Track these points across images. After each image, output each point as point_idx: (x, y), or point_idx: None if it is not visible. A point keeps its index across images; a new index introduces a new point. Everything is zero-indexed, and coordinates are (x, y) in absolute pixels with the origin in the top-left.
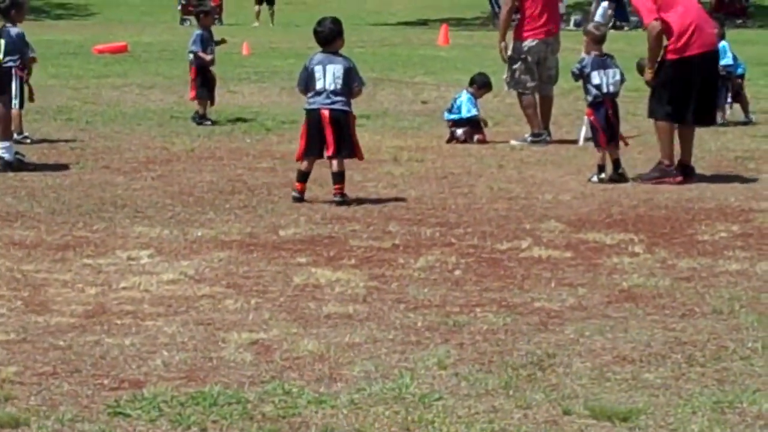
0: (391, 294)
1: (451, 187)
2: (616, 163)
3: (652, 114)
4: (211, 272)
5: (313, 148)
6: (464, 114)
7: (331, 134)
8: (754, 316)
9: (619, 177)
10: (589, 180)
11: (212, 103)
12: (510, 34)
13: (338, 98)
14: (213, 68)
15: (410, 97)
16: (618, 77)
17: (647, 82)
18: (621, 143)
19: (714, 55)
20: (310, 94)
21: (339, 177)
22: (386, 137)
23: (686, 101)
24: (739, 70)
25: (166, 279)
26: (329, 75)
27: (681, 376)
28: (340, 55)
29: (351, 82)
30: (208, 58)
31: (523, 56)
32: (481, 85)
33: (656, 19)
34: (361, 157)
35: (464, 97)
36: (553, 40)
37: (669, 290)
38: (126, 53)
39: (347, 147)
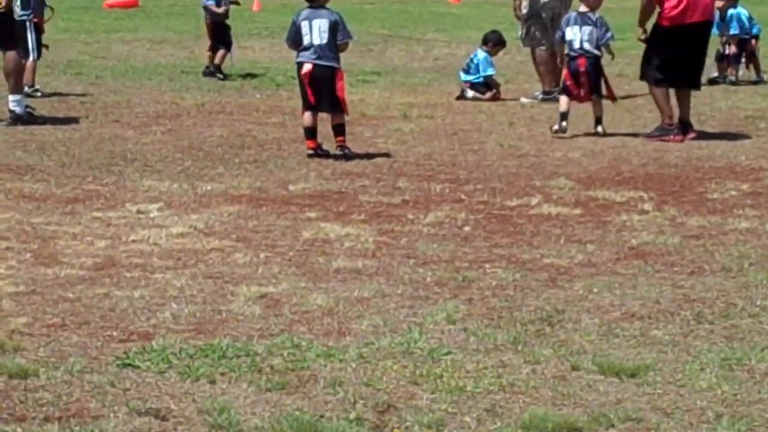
0: (400, 249)
1: (461, 143)
2: (597, 120)
3: (643, 77)
4: (220, 226)
5: (306, 102)
6: (482, 73)
7: (314, 89)
8: (763, 274)
9: (596, 134)
10: (551, 129)
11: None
12: None
13: (324, 53)
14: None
15: (421, 54)
16: (594, 35)
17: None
18: (609, 100)
19: (708, 24)
20: (300, 49)
21: (339, 129)
22: (396, 94)
23: (677, 67)
24: (754, 31)
25: (176, 232)
26: (315, 29)
27: (689, 333)
28: (327, 9)
29: (337, 36)
30: (220, 10)
31: (538, 12)
32: (496, 42)
33: None
34: (346, 112)
35: (480, 56)
36: None
37: (678, 248)
38: (137, 8)
39: (332, 101)
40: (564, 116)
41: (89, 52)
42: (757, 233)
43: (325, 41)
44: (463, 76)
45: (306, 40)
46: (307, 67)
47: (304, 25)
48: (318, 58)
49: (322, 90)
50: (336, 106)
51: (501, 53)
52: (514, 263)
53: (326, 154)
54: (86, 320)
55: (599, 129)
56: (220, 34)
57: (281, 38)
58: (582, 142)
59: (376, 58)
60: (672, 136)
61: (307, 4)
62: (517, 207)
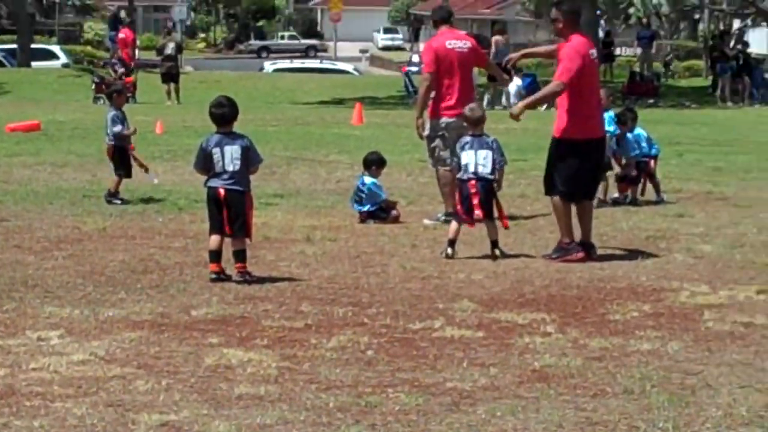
0: (303, 374)
1: (364, 266)
2: (493, 243)
3: (548, 192)
4: (121, 352)
5: (215, 226)
6: (377, 200)
7: (229, 213)
8: (665, 396)
9: (493, 257)
10: (441, 253)
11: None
12: (426, 113)
13: (236, 179)
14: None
15: (324, 176)
16: (490, 158)
17: (512, 115)
18: (500, 224)
19: (602, 141)
20: (209, 175)
21: (240, 255)
22: (299, 216)
23: (578, 181)
24: (653, 151)
25: (77, 360)
26: (227, 156)
27: None
28: (237, 135)
29: (249, 161)
30: (130, 131)
31: (440, 133)
32: (378, 164)
33: (566, 84)
34: (251, 238)
35: (368, 181)
36: None
37: (581, 370)
38: (39, 131)
39: (240, 226)
40: (452, 243)
41: None
42: (658, 354)
43: (237, 167)
44: (357, 207)
45: (218, 167)
46: (221, 193)
47: (216, 152)
48: (231, 183)
49: (231, 215)
50: (243, 231)
51: (403, 174)
52: (417, 387)
53: (228, 279)
54: None
55: (496, 252)
56: (120, 160)
57: (184, 161)
58: (484, 264)
59: (279, 180)
60: (573, 254)
61: (216, 130)
62: (420, 330)
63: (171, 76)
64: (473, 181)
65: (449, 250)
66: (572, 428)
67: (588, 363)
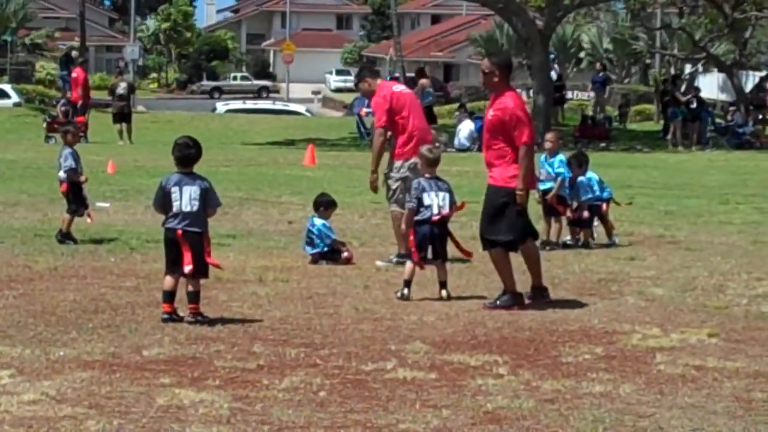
0: (255, 415)
1: (317, 307)
2: (442, 284)
3: (490, 245)
4: (73, 392)
5: (170, 267)
6: (326, 241)
7: (187, 253)
8: None
9: (440, 298)
10: (396, 293)
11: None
12: (385, 156)
13: (193, 220)
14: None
15: (276, 217)
16: (447, 200)
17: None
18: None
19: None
20: (167, 215)
21: (194, 296)
22: (251, 257)
23: (523, 225)
24: (605, 195)
25: (27, 399)
26: (185, 196)
27: None
28: (197, 176)
29: (207, 203)
30: (83, 179)
31: (402, 175)
32: (327, 205)
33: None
34: (207, 276)
35: (318, 222)
36: None
37: (533, 412)
38: None
39: (200, 267)
40: (407, 284)
41: None
42: (611, 397)
43: (195, 209)
44: (309, 249)
45: (176, 207)
46: (179, 234)
47: (175, 191)
48: (187, 225)
49: (191, 255)
50: (201, 272)
51: (355, 216)
52: (369, 429)
53: (180, 319)
54: None
55: (443, 293)
56: (74, 196)
57: (135, 200)
58: (437, 306)
59: (231, 220)
60: (517, 306)
61: (176, 170)
62: (373, 371)
63: (123, 116)
64: (431, 225)
65: (405, 291)
66: None
67: (540, 405)
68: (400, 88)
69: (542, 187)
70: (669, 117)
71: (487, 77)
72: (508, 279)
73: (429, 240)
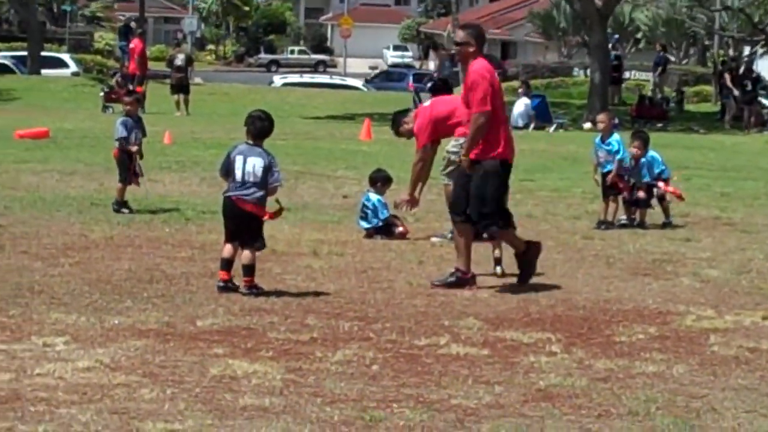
0: (308, 387)
1: (371, 281)
2: (497, 261)
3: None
4: (126, 360)
5: (231, 235)
6: (381, 217)
7: (240, 225)
8: (670, 419)
9: (494, 275)
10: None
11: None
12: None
13: (253, 190)
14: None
15: (331, 191)
16: None
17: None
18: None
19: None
20: (229, 182)
21: (249, 270)
22: (306, 230)
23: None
24: (666, 174)
25: (82, 366)
26: (249, 166)
27: None
28: (263, 150)
29: (268, 178)
30: (134, 149)
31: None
32: (383, 181)
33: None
34: (264, 246)
35: (374, 198)
36: None
37: (585, 390)
38: (47, 139)
39: (256, 238)
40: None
41: None
42: (663, 377)
43: (257, 180)
44: (364, 224)
45: (237, 175)
46: (236, 202)
47: (238, 160)
48: (247, 195)
49: (244, 226)
50: (255, 243)
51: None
52: (421, 403)
53: (236, 289)
54: None
55: (498, 270)
56: (124, 165)
57: (192, 172)
58: (490, 282)
59: (286, 194)
60: (467, 287)
61: (245, 140)
62: (426, 346)
63: (180, 87)
64: None
65: (498, 269)
66: None
67: (593, 384)
68: (439, 107)
69: (604, 170)
70: (724, 99)
71: (462, 48)
72: (461, 256)
73: None
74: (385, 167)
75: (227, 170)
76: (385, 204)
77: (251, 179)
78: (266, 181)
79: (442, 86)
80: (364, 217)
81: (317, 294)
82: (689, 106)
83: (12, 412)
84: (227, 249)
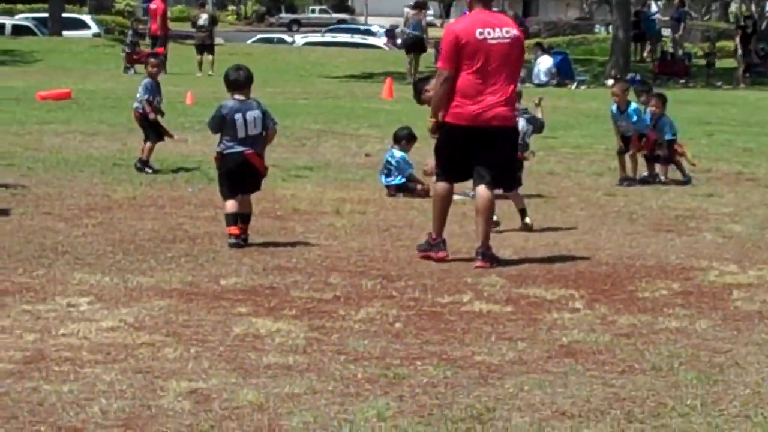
0: (332, 345)
1: (393, 239)
2: (522, 212)
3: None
4: (150, 320)
5: (233, 189)
6: (404, 174)
7: (249, 178)
8: (693, 374)
9: (525, 225)
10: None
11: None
12: None
13: (258, 143)
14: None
15: (353, 149)
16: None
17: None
18: None
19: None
20: (228, 140)
21: (247, 218)
22: (329, 189)
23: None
24: (667, 137)
25: (106, 326)
26: (250, 122)
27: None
28: (254, 99)
29: (267, 123)
30: (151, 116)
31: None
32: (408, 139)
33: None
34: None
35: (398, 155)
36: None
37: (609, 346)
38: (69, 100)
39: (255, 186)
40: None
41: (21, 144)
42: (686, 332)
43: (259, 131)
44: (385, 179)
45: (241, 133)
46: (248, 157)
47: (237, 118)
48: (254, 147)
49: (248, 177)
50: (255, 190)
51: (430, 151)
52: (445, 360)
53: (246, 243)
54: (14, 414)
55: (527, 221)
56: (148, 125)
57: None
58: (513, 240)
59: (308, 153)
60: (434, 252)
61: (231, 95)
62: (449, 304)
63: (204, 47)
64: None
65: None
66: (600, 404)
67: (616, 339)
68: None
69: (627, 134)
70: (743, 55)
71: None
72: (434, 220)
73: None
74: (408, 125)
75: (220, 127)
76: (409, 162)
77: (254, 132)
78: (266, 129)
79: (416, 44)
80: (387, 173)
81: (340, 252)
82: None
83: (37, 372)
84: (231, 204)
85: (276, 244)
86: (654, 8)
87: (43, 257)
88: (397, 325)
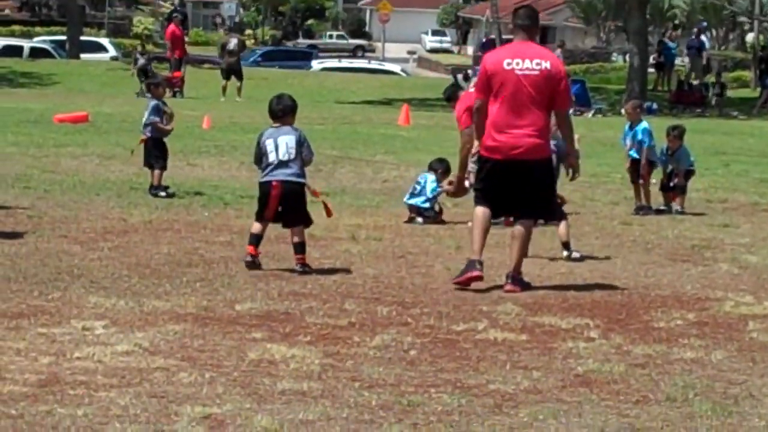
0: (346, 372)
1: (409, 266)
2: (565, 245)
3: (553, 217)
4: (165, 345)
5: (260, 215)
6: (429, 195)
7: (281, 206)
8: (708, 405)
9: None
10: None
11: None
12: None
13: (291, 169)
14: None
15: (370, 176)
16: None
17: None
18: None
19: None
20: (263, 167)
21: (299, 248)
22: (344, 215)
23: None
24: (685, 166)
25: (120, 350)
26: (282, 146)
27: None
28: (291, 127)
29: (302, 152)
30: (167, 128)
31: None
32: (444, 171)
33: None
34: (312, 222)
35: (430, 178)
36: None
37: (624, 376)
38: (86, 123)
39: (302, 217)
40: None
41: (38, 166)
42: (702, 363)
43: (292, 157)
44: (409, 199)
45: (272, 158)
46: (275, 186)
47: (269, 144)
48: (286, 174)
49: (288, 206)
50: (301, 221)
51: (450, 177)
52: (459, 388)
53: (259, 267)
54: None
55: (568, 254)
56: (157, 152)
57: (230, 156)
58: (528, 268)
59: (325, 178)
60: (469, 272)
61: (270, 125)
62: (464, 332)
63: (232, 72)
64: None
65: (573, 253)
66: None
67: (631, 369)
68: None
69: (630, 156)
70: (766, 84)
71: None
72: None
73: None
74: (424, 153)
75: (260, 157)
76: (436, 196)
77: (286, 157)
78: (301, 155)
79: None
80: (414, 193)
81: (355, 279)
82: (728, 92)
83: (51, 395)
84: (256, 226)
85: (291, 270)
86: (704, 38)
87: (59, 280)
88: (412, 352)
